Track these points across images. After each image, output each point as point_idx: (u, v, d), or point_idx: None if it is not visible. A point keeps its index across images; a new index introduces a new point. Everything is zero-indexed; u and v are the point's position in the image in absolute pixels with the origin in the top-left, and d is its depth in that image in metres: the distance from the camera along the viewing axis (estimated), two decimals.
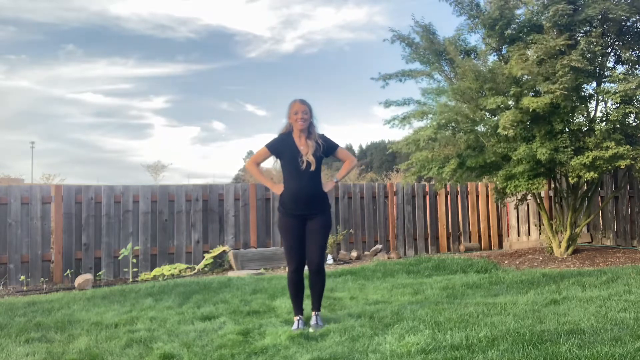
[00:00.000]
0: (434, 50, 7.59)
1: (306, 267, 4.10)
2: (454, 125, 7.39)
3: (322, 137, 4.14)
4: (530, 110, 6.40)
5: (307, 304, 4.25)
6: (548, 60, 6.61)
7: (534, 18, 7.01)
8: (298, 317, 4.05)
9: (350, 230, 9.46)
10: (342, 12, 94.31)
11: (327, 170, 19.30)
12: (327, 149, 4.13)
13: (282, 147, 4.10)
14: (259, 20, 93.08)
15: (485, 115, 7.13)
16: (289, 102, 4.12)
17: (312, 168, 4.00)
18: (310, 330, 3.87)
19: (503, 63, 7.14)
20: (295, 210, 4.02)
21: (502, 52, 7.44)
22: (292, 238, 4.03)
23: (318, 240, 4.02)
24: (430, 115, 7.46)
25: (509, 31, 7.24)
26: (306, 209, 4.01)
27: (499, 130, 6.47)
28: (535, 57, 6.64)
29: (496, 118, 6.90)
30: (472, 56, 7.41)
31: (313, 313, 4.09)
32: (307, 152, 4.01)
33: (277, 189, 4.13)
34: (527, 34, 6.91)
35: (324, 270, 4.14)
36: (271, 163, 4.21)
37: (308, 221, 4.03)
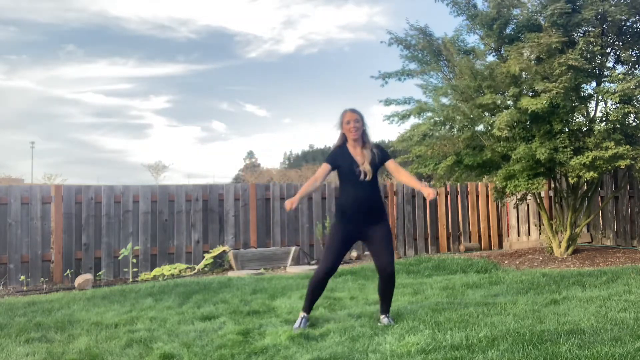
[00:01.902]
0: (432, 51, 7.59)
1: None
2: (451, 123, 7.39)
3: (377, 146, 4.15)
4: (529, 111, 6.40)
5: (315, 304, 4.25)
6: (546, 59, 6.61)
7: (533, 18, 7.01)
8: (304, 314, 4.04)
9: None
10: (342, 12, 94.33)
11: None
12: (381, 159, 4.11)
13: (339, 159, 4.09)
14: (259, 20, 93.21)
15: (485, 114, 7.12)
16: (341, 113, 4.11)
17: (369, 177, 3.99)
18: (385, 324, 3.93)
19: (502, 62, 7.14)
20: (356, 219, 4.00)
21: (501, 52, 7.44)
22: (339, 241, 4.00)
23: (387, 248, 4.00)
24: (428, 113, 7.47)
25: (508, 31, 7.24)
26: (367, 218, 4.00)
27: (494, 131, 6.47)
28: (533, 56, 6.64)
29: (495, 118, 6.90)
30: (471, 56, 7.41)
31: (383, 316, 4.06)
32: (363, 161, 4.00)
33: (289, 203, 3.93)
34: (526, 33, 6.90)
35: (395, 276, 4.11)
36: (330, 175, 4.19)
37: (368, 231, 4.01)
